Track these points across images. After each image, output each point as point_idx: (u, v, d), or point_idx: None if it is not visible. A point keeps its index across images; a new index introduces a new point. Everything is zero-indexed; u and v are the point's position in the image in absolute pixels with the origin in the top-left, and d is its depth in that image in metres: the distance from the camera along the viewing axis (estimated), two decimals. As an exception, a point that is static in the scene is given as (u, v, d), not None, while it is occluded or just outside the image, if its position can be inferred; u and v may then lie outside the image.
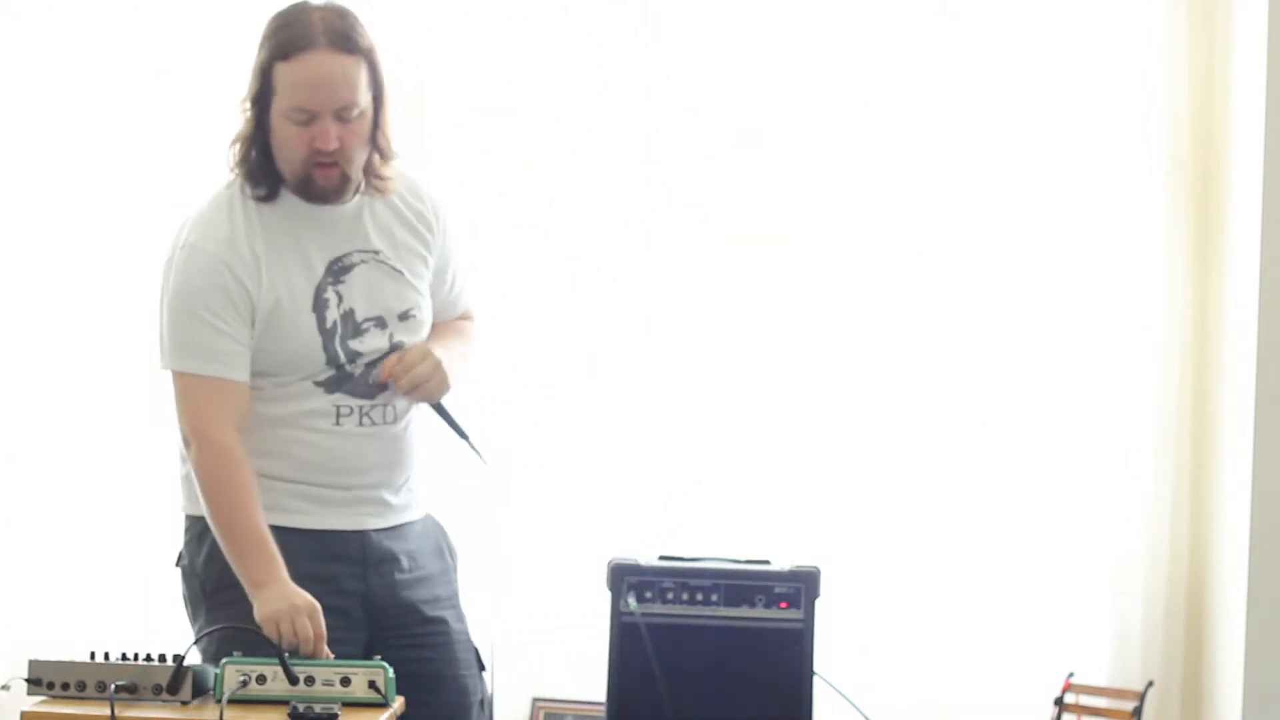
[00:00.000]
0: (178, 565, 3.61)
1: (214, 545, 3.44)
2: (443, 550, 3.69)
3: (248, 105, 3.43)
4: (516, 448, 4.87)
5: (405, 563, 3.58)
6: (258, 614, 3.32)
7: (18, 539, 4.93)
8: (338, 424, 3.49)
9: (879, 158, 4.94)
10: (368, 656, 3.45)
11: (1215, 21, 4.81)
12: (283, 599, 3.31)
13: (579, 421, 5.01)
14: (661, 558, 4.42)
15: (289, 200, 3.46)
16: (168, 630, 4.65)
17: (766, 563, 4.49)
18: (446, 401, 3.58)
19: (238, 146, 3.47)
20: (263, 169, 3.44)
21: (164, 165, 4.93)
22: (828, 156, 4.95)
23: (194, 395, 3.41)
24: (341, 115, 3.37)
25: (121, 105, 4.93)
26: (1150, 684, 4.77)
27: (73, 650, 3.29)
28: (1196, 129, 4.84)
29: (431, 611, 3.60)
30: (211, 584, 3.48)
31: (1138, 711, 4.70)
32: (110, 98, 4.93)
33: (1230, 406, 4.70)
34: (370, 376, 3.49)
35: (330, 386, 3.48)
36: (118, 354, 4.95)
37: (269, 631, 3.29)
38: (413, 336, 3.54)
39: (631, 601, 4.27)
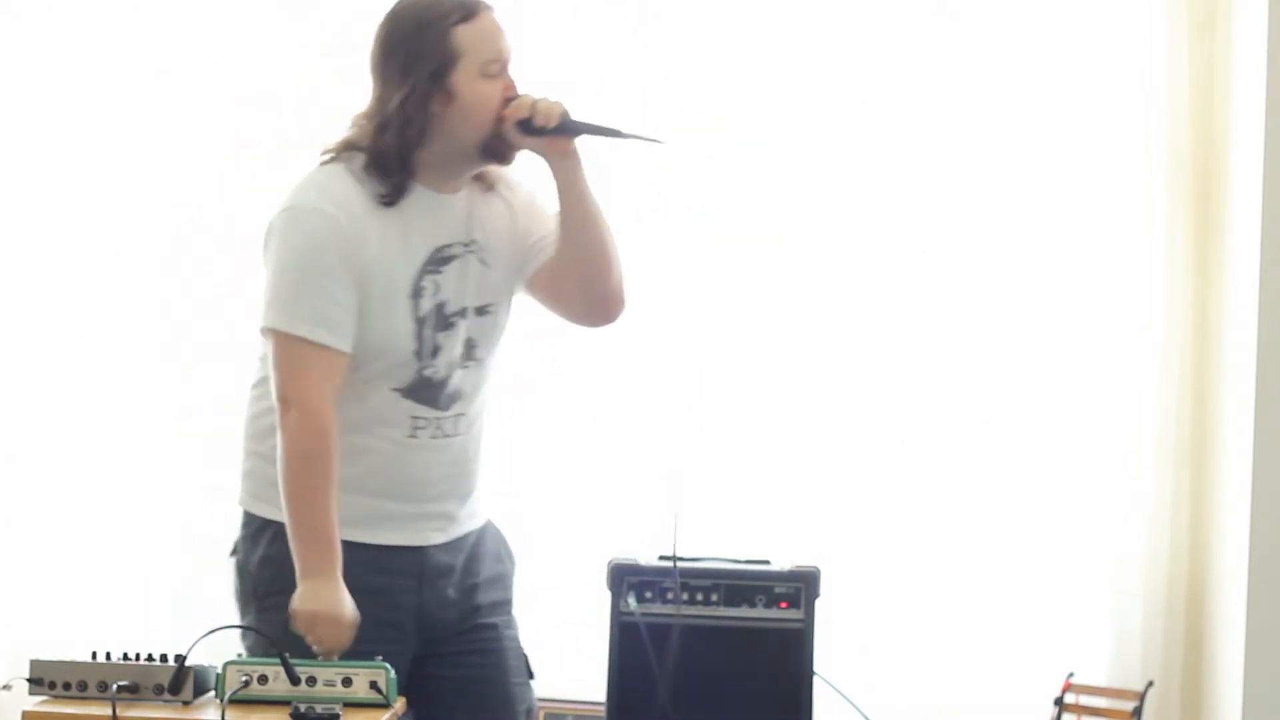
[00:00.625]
0: (231, 556, 3.57)
1: (270, 546, 3.41)
2: (500, 556, 3.66)
3: (412, 90, 3.35)
4: (516, 448, 4.87)
5: (460, 571, 3.55)
6: (301, 603, 3.31)
7: (18, 539, 4.93)
8: (413, 435, 3.45)
9: (878, 158, 4.94)
10: (414, 667, 3.45)
11: (1215, 21, 4.81)
12: (330, 602, 3.30)
13: (579, 421, 5.01)
14: (661, 558, 4.42)
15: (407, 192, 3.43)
16: (168, 630, 4.67)
17: (766, 563, 4.49)
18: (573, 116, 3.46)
19: (368, 135, 3.40)
20: (398, 162, 3.38)
21: (164, 165, 4.93)
22: (827, 157, 4.95)
23: (302, 360, 3.31)
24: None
25: (121, 105, 4.93)
26: (1150, 684, 4.77)
27: (74, 650, 3.29)
28: (1196, 129, 4.85)
29: (484, 618, 3.58)
30: (265, 587, 3.44)
31: (1138, 711, 4.70)
32: (110, 98, 4.93)
33: (1230, 406, 4.71)
34: (447, 388, 3.44)
35: (409, 394, 3.43)
36: (118, 354, 4.95)
37: (303, 623, 3.28)
38: (484, 335, 3.50)
39: (631, 601, 4.26)
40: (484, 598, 3.60)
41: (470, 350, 3.49)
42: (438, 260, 3.44)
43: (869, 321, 4.96)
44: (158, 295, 4.95)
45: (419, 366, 3.43)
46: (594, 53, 4.93)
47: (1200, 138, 4.85)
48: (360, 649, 3.32)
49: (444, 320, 3.45)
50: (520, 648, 3.66)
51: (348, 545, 3.40)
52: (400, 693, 3.43)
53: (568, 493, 5.00)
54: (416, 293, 3.41)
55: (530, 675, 3.67)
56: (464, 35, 3.37)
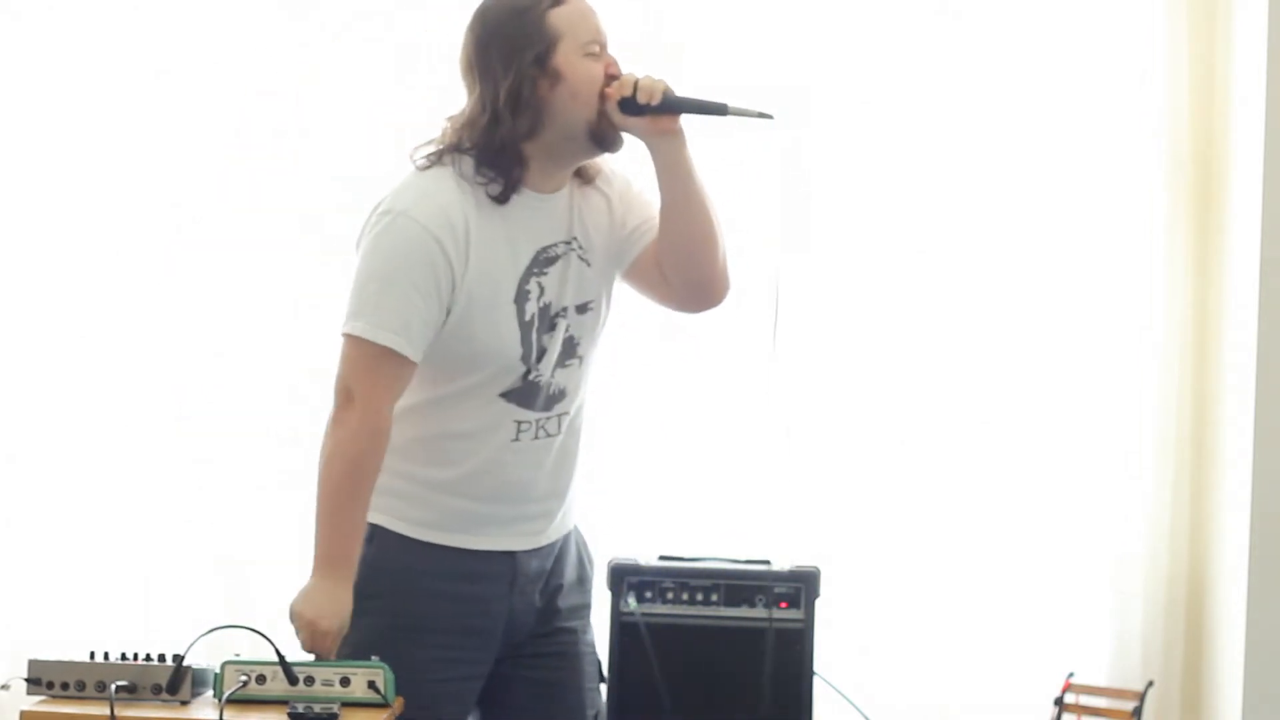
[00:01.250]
0: None
1: (364, 550, 3.37)
2: (582, 560, 3.64)
3: (519, 77, 3.32)
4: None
5: (547, 575, 3.53)
6: (297, 602, 3.30)
7: (18, 539, 4.93)
8: (516, 439, 3.42)
9: (878, 157, 4.94)
10: (493, 670, 3.45)
11: (1215, 21, 4.81)
12: (329, 605, 3.28)
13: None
14: (661, 558, 4.42)
15: (517, 194, 3.39)
16: (168, 630, 4.67)
17: (766, 563, 4.48)
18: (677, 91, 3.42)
19: (477, 133, 3.35)
20: (516, 154, 3.34)
21: (164, 165, 4.93)
22: (826, 156, 4.94)
23: (371, 363, 3.28)
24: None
25: (121, 105, 4.93)
26: (1150, 684, 4.77)
27: (73, 650, 3.29)
28: (1196, 129, 4.84)
29: (564, 622, 3.57)
30: (357, 589, 3.36)
31: (1138, 711, 4.70)
32: (110, 98, 4.93)
33: (1230, 406, 4.71)
34: (551, 386, 3.43)
35: (514, 399, 3.40)
36: (118, 354, 4.95)
37: (298, 622, 3.28)
38: (585, 332, 3.47)
39: (631, 601, 4.26)
40: (565, 601, 3.57)
41: (572, 349, 3.46)
42: (542, 262, 3.40)
43: (869, 321, 4.96)
44: (158, 295, 4.94)
45: (525, 371, 3.39)
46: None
47: (1200, 138, 4.84)
48: (446, 656, 3.35)
49: (549, 321, 3.41)
50: (595, 652, 3.63)
51: (442, 550, 3.40)
52: (474, 699, 3.44)
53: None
54: (521, 297, 3.37)
55: (603, 679, 3.63)
56: (560, 17, 3.35)
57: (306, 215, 4.85)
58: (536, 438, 3.44)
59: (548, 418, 3.45)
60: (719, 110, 3.44)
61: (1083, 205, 4.89)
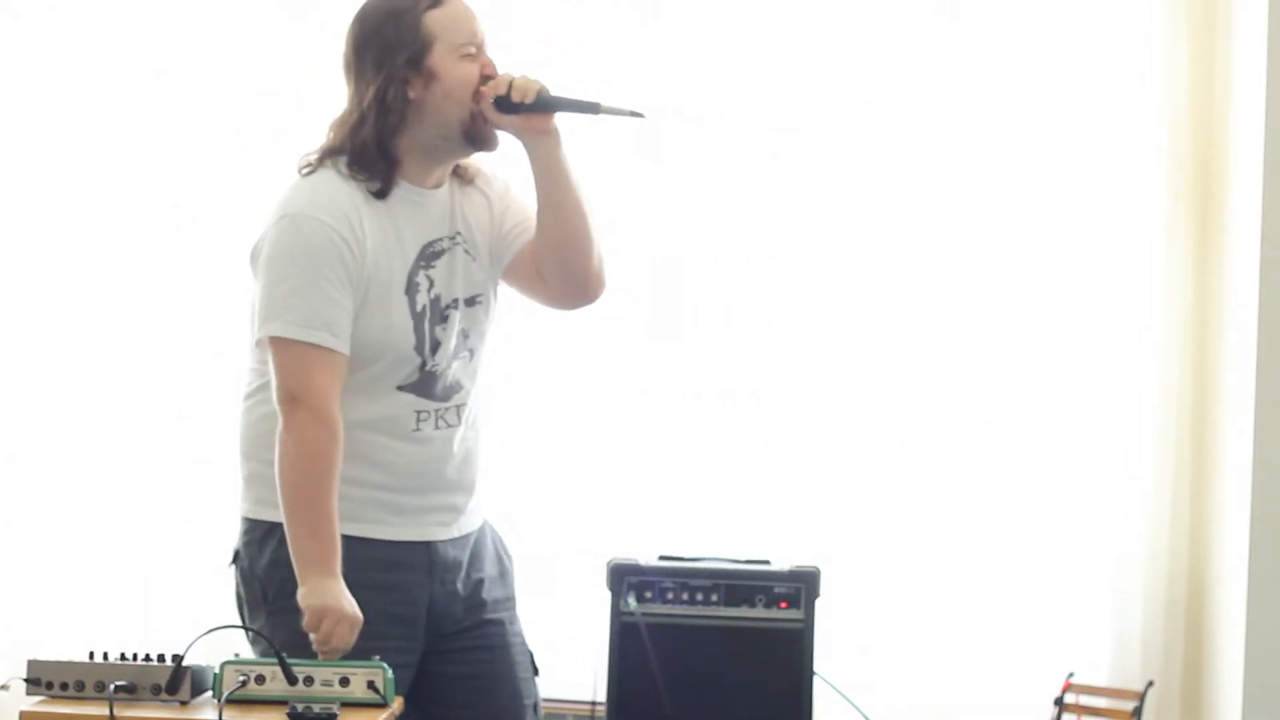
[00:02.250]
0: (233, 564, 3.57)
1: (279, 549, 3.39)
2: (500, 555, 3.66)
3: (388, 79, 3.38)
4: (517, 448, 4.87)
5: (466, 567, 3.55)
6: (306, 599, 3.30)
7: (18, 539, 4.93)
8: (417, 429, 3.46)
9: (877, 158, 4.94)
10: (421, 663, 3.46)
11: (1215, 21, 4.81)
12: (338, 598, 3.29)
13: (578, 421, 5.01)
14: (661, 558, 4.42)
15: (395, 188, 3.44)
16: (168, 630, 4.67)
17: (766, 563, 4.49)
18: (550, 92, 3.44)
19: (346, 134, 3.43)
20: (380, 153, 3.40)
21: (164, 165, 4.93)
22: (825, 156, 4.94)
23: (305, 363, 3.32)
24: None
25: (121, 105, 4.93)
26: (1150, 684, 4.77)
27: (72, 650, 3.29)
28: (1196, 129, 4.84)
29: (489, 614, 3.58)
30: (275, 589, 3.42)
31: (1138, 711, 4.70)
32: (110, 98, 4.93)
33: (1230, 407, 4.70)
34: (445, 376, 3.46)
35: (411, 389, 3.45)
36: (117, 354, 4.95)
37: (311, 620, 3.28)
38: (475, 325, 3.52)
39: (631, 601, 4.27)
40: (489, 594, 3.60)
41: (463, 341, 3.51)
42: (428, 255, 3.46)
43: (869, 321, 4.96)
44: (157, 295, 4.95)
45: (420, 361, 3.45)
46: (593, 52, 4.92)
47: (1200, 138, 4.84)
48: (373, 645, 3.32)
49: (439, 314, 3.47)
50: (525, 643, 3.67)
51: (358, 542, 3.41)
52: (407, 690, 3.43)
53: (568, 493, 4.99)
54: (412, 289, 3.43)
55: (535, 671, 3.67)
56: (436, 20, 3.40)
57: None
58: (437, 427, 3.48)
59: (446, 408, 3.49)
60: (592, 109, 3.48)
61: (1082, 206, 4.89)
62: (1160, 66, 4.82)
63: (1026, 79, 4.89)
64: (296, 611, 3.33)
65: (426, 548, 3.50)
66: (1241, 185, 4.64)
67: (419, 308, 3.43)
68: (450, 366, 3.49)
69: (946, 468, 4.94)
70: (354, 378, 3.40)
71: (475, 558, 3.59)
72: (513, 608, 3.66)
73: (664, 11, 4.94)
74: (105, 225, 4.95)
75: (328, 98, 4.85)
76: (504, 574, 3.66)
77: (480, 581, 3.59)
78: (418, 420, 3.47)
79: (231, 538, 4.96)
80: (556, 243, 3.52)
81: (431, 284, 3.45)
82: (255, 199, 4.89)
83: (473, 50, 3.42)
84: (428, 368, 3.45)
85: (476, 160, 3.55)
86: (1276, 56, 4.46)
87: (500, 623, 3.61)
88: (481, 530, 3.63)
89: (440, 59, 3.40)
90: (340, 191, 3.40)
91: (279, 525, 3.40)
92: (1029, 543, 4.93)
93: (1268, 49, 4.46)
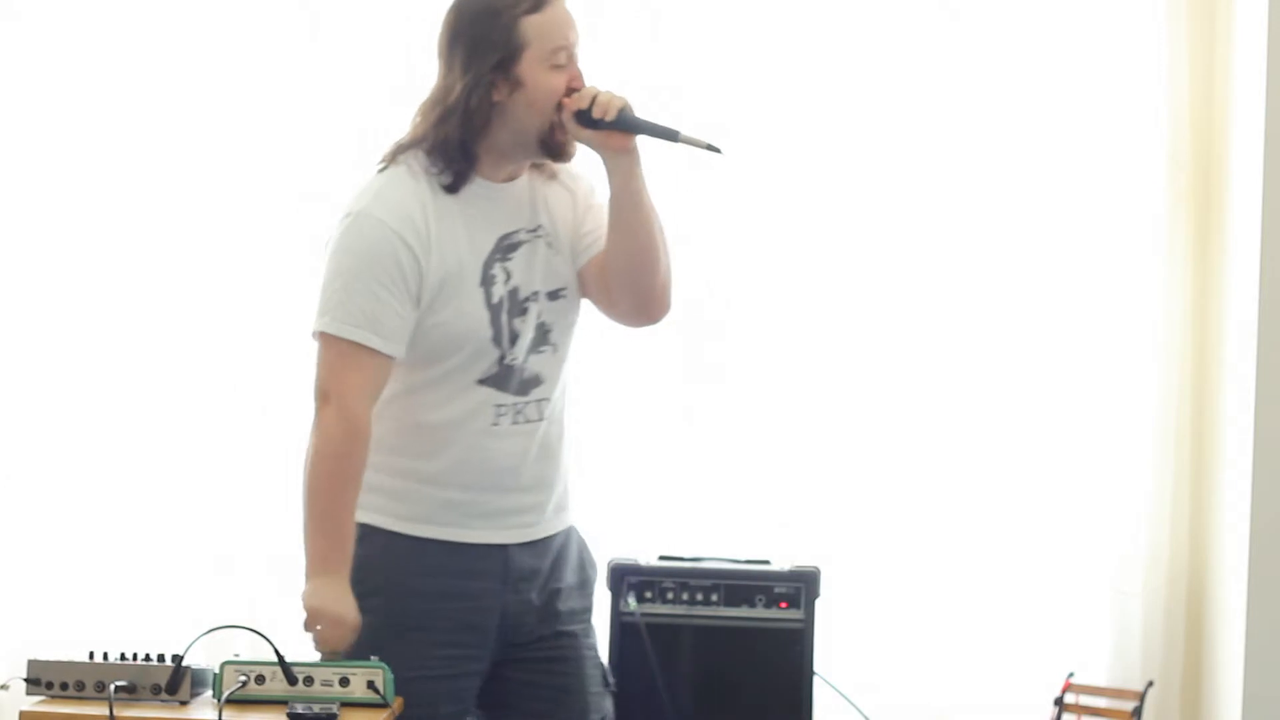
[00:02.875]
0: None
1: (361, 553, 3.38)
2: (583, 564, 3.64)
3: (475, 80, 3.36)
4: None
5: (545, 576, 3.52)
6: (305, 598, 3.30)
7: (18, 539, 4.93)
8: (495, 423, 3.44)
9: (877, 158, 4.93)
10: (494, 672, 3.45)
11: (1215, 21, 4.81)
12: (335, 601, 3.30)
13: (578, 421, 4.99)
14: (661, 558, 4.43)
15: (468, 183, 3.44)
16: (167, 630, 4.66)
17: (766, 563, 4.49)
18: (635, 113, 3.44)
19: (431, 125, 3.42)
20: (461, 151, 3.40)
21: (164, 165, 4.92)
22: (825, 156, 4.94)
23: (344, 362, 3.33)
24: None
25: (121, 105, 4.93)
26: (1150, 684, 4.77)
27: (72, 650, 3.29)
28: (1196, 129, 4.84)
29: (564, 625, 3.55)
30: (355, 591, 3.37)
31: (1138, 711, 4.70)
32: (110, 98, 4.93)
33: (1230, 406, 4.70)
34: (525, 371, 3.45)
35: (491, 383, 3.43)
36: (118, 354, 4.95)
37: (307, 619, 3.28)
38: (559, 319, 3.50)
39: (631, 601, 4.27)
40: (565, 604, 3.56)
41: (545, 335, 3.48)
42: (505, 248, 3.44)
43: (869, 321, 4.96)
44: (158, 294, 4.94)
45: (499, 354, 3.43)
46: (592, 52, 4.91)
47: (1200, 138, 4.84)
48: (443, 653, 3.34)
49: (518, 306, 3.44)
50: (598, 657, 3.63)
51: (434, 546, 3.41)
52: (475, 698, 3.43)
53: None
54: (487, 280, 3.42)
55: (608, 685, 3.63)
56: (532, 25, 3.38)
57: (308, 215, 4.84)
58: (515, 422, 3.46)
59: (525, 402, 3.46)
60: (670, 135, 3.48)
61: (1083, 205, 4.89)
62: (1160, 66, 4.82)
63: (1027, 79, 4.89)
64: (371, 614, 3.34)
65: (503, 554, 3.47)
66: (1241, 185, 4.64)
67: (495, 299, 3.42)
68: (528, 360, 3.46)
69: (946, 468, 4.94)
70: (430, 372, 3.40)
71: (556, 566, 3.55)
72: (588, 619, 3.63)
73: (662, 9, 4.94)
74: (105, 225, 4.94)
75: (328, 98, 4.91)
76: (584, 584, 3.63)
77: (557, 591, 3.55)
78: (496, 415, 3.44)
79: (231, 537, 4.98)
80: (625, 261, 3.50)
81: (509, 276, 3.43)
82: (255, 199, 4.91)
83: (563, 60, 3.40)
84: (506, 360, 3.44)
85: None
86: (1276, 56, 4.46)
87: (574, 634, 3.57)
88: (567, 536, 3.59)
89: (529, 66, 3.38)
90: (407, 190, 3.39)
91: (358, 526, 3.39)
92: (1029, 542, 4.93)
93: (1268, 49, 4.46)
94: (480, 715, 3.55)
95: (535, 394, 3.48)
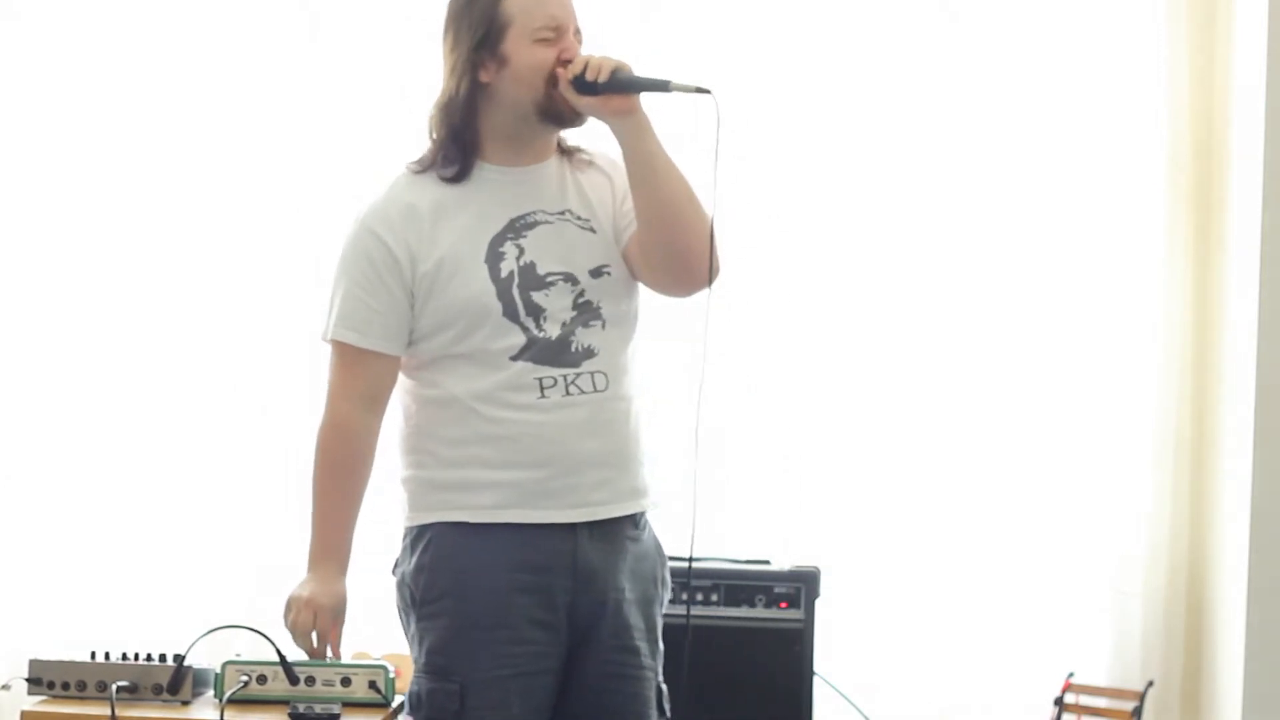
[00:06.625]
0: (394, 572, 3.50)
1: (423, 554, 3.38)
2: (657, 579, 3.56)
3: (462, 63, 3.39)
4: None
5: (616, 584, 3.46)
6: (297, 586, 3.32)
7: (18, 539, 4.93)
8: (543, 395, 3.40)
9: (876, 159, 4.94)
10: (566, 673, 3.40)
11: (1215, 21, 4.81)
12: (307, 586, 3.30)
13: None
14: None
15: (477, 170, 3.45)
16: (168, 630, 4.67)
17: (766, 563, 4.49)
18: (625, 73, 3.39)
19: (443, 118, 3.44)
20: (462, 137, 3.42)
21: (164, 165, 4.93)
22: (826, 157, 4.95)
23: (335, 363, 3.42)
24: (574, 34, 3.44)
25: (121, 105, 4.93)
26: (1150, 684, 4.77)
27: (73, 650, 3.29)
28: (1196, 129, 4.85)
29: (631, 639, 3.47)
30: (421, 594, 3.37)
31: (1138, 711, 4.70)
32: (110, 98, 4.93)
33: (1230, 407, 4.71)
34: (571, 343, 3.42)
35: (530, 358, 3.40)
36: (118, 355, 4.95)
37: (292, 604, 3.28)
38: (607, 296, 3.47)
39: (632, 601, 4.26)
40: (634, 618, 3.49)
41: (595, 311, 3.44)
42: (519, 227, 3.44)
43: (869, 322, 4.96)
44: (159, 295, 4.95)
45: (522, 329, 3.41)
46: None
47: (1200, 138, 4.85)
48: (516, 650, 3.31)
49: (537, 280, 3.43)
50: (658, 680, 3.54)
51: (502, 532, 3.37)
52: (549, 695, 3.36)
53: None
54: (494, 257, 3.41)
55: (662, 712, 3.54)
56: (515, 3, 3.39)
57: (309, 215, 4.85)
58: (568, 393, 3.41)
59: (578, 373, 3.42)
60: (662, 86, 3.43)
61: (1083, 205, 4.90)
62: (1160, 66, 4.82)
63: (1027, 80, 4.90)
64: (442, 616, 3.33)
65: (571, 536, 3.40)
66: (1241, 184, 4.64)
67: (504, 274, 3.41)
68: (575, 332, 3.42)
69: (946, 468, 4.95)
70: (458, 348, 3.40)
71: (630, 577, 3.48)
72: (654, 639, 3.53)
73: (662, 9, 4.94)
74: (105, 225, 4.95)
75: (328, 98, 4.91)
76: (653, 602, 3.54)
77: (626, 604, 3.47)
78: (542, 388, 3.40)
79: (230, 537, 4.99)
80: (655, 225, 3.44)
81: (521, 252, 3.42)
82: (255, 199, 4.91)
83: (549, 35, 3.39)
84: (536, 333, 3.41)
85: (601, 146, 3.52)
86: (1276, 56, 4.46)
87: (637, 652, 3.49)
88: (644, 548, 3.53)
89: (514, 43, 3.38)
90: (400, 188, 3.44)
91: (426, 529, 3.39)
92: (1029, 543, 4.93)
93: (1268, 49, 4.46)
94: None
95: (588, 365, 3.43)
